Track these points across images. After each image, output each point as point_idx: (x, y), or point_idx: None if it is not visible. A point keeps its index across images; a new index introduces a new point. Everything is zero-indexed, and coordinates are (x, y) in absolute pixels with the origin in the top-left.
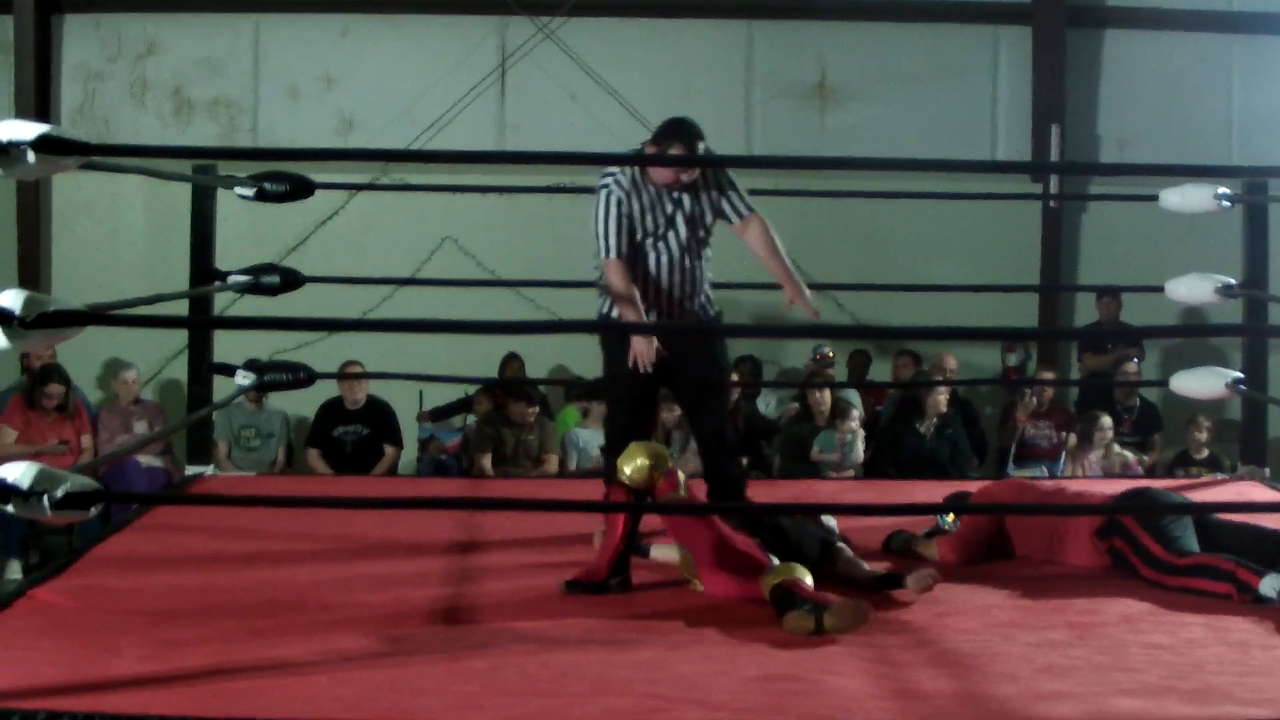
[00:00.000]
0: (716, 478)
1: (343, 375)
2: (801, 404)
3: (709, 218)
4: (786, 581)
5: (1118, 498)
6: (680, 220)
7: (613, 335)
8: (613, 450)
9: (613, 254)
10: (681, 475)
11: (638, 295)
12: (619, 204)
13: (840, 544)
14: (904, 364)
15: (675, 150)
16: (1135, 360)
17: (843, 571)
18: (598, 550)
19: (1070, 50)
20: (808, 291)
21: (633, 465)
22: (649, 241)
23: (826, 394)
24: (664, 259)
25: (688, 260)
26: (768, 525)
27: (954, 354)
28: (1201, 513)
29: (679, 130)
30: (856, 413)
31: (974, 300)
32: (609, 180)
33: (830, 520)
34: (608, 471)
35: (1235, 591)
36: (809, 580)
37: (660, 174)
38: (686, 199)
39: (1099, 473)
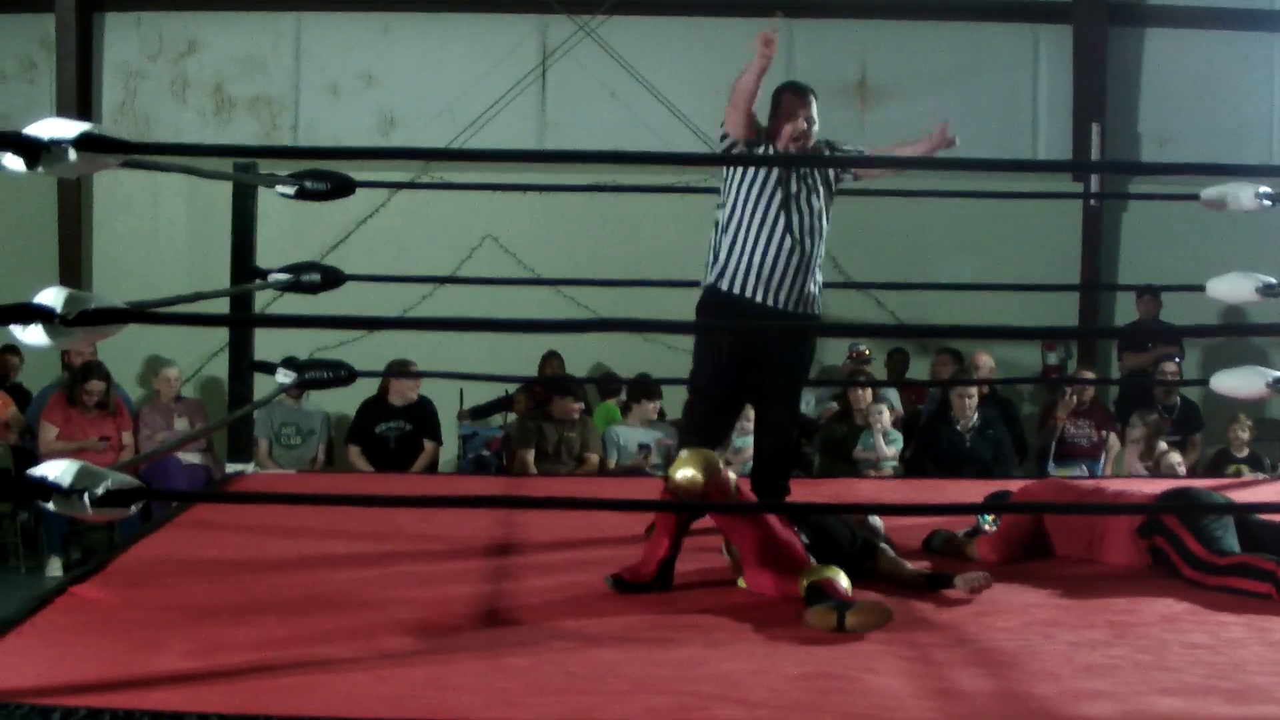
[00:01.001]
0: (762, 487)
1: (384, 373)
2: (841, 403)
3: (830, 197)
4: (820, 581)
5: (1159, 497)
6: (800, 184)
7: (706, 324)
8: (686, 445)
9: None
10: (732, 476)
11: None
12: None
13: (884, 545)
14: (943, 362)
15: (789, 96)
16: (1176, 360)
17: (886, 571)
18: (645, 548)
19: (1111, 48)
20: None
21: (684, 476)
22: (774, 200)
23: (866, 393)
24: (782, 223)
25: (804, 235)
26: (812, 523)
27: (994, 353)
28: (1243, 513)
29: (789, 83)
30: (884, 409)
31: (1014, 299)
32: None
33: (876, 520)
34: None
35: (1276, 591)
36: (844, 582)
37: (780, 133)
38: (811, 170)
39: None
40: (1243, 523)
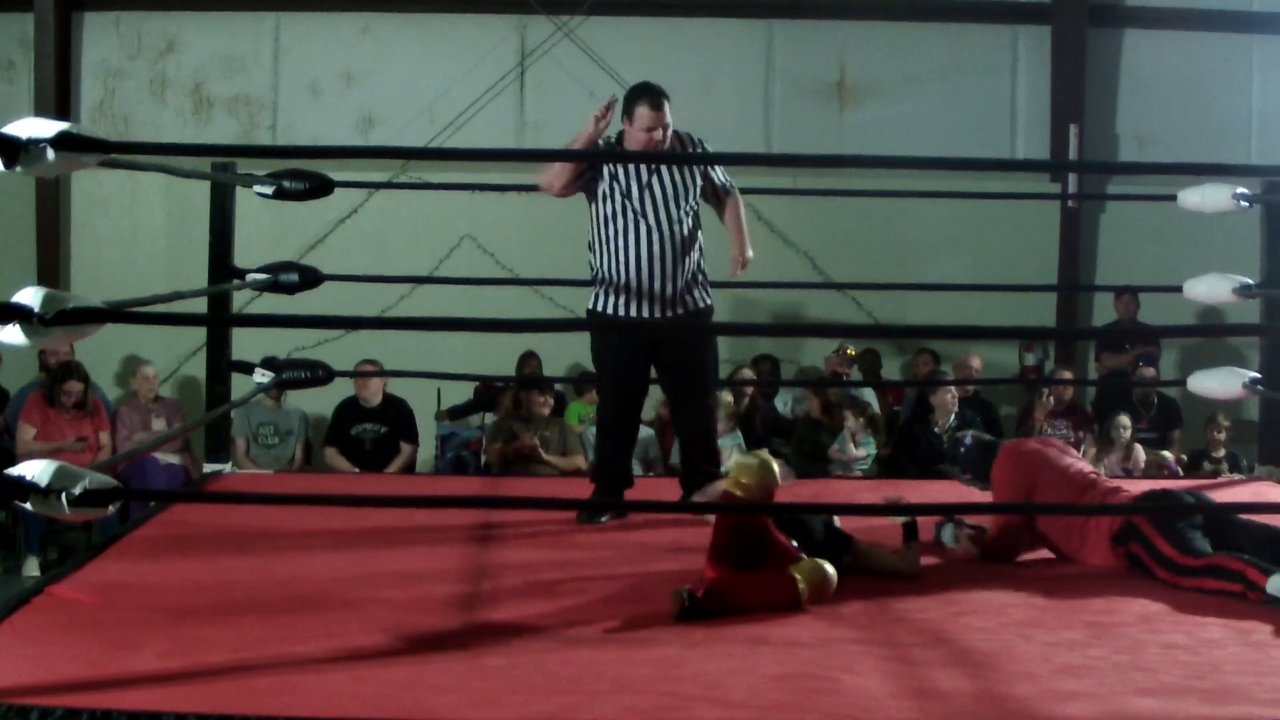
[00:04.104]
0: (692, 475)
1: (361, 373)
2: (819, 399)
3: (691, 192)
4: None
5: (1138, 498)
6: (657, 186)
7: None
8: (603, 436)
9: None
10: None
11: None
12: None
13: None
14: (923, 362)
15: (642, 109)
16: (1153, 365)
17: (865, 563)
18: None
19: (1090, 49)
20: (748, 254)
21: (762, 463)
22: (630, 208)
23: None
24: (644, 228)
25: (671, 234)
26: (790, 522)
27: (973, 354)
28: (1217, 514)
29: (643, 91)
30: (849, 414)
31: (992, 299)
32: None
33: (835, 520)
34: (597, 457)
35: (1246, 589)
36: (831, 572)
37: (635, 144)
38: (664, 170)
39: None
40: (1221, 523)
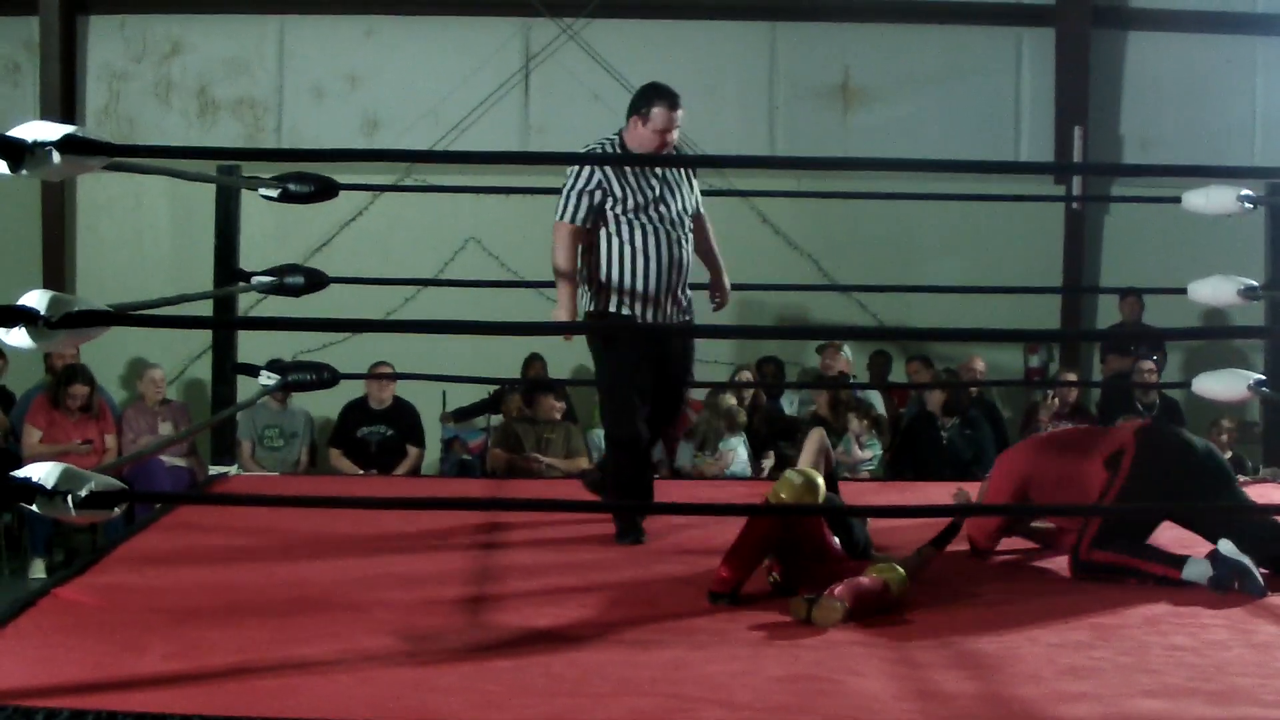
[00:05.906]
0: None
1: (367, 375)
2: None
3: (693, 201)
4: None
5: (1137, 428)
6: (668, 196)
7: (598, 332)
8: (621, 450)
9: (565, 217)
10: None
11: (573, 274)
12: (591, 171)
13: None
14: (915, 369)
15: (660, 109)
16: (1154, 359)
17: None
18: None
19: (1093, 51)
20: (729, 293)
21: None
22: (638, 213)
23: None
24: (654, 235)
25: (677, 242)
26: (844, 523)
27: (977, 355)
28: (1221, 514)
29: (659, 92)
30: (852, 418)
31: (997, 301)
32: (593, 145)
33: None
34: (606, 463)
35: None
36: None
37: (645, 144)
38: (672, 179)
39: None
40: (1231, 524)
